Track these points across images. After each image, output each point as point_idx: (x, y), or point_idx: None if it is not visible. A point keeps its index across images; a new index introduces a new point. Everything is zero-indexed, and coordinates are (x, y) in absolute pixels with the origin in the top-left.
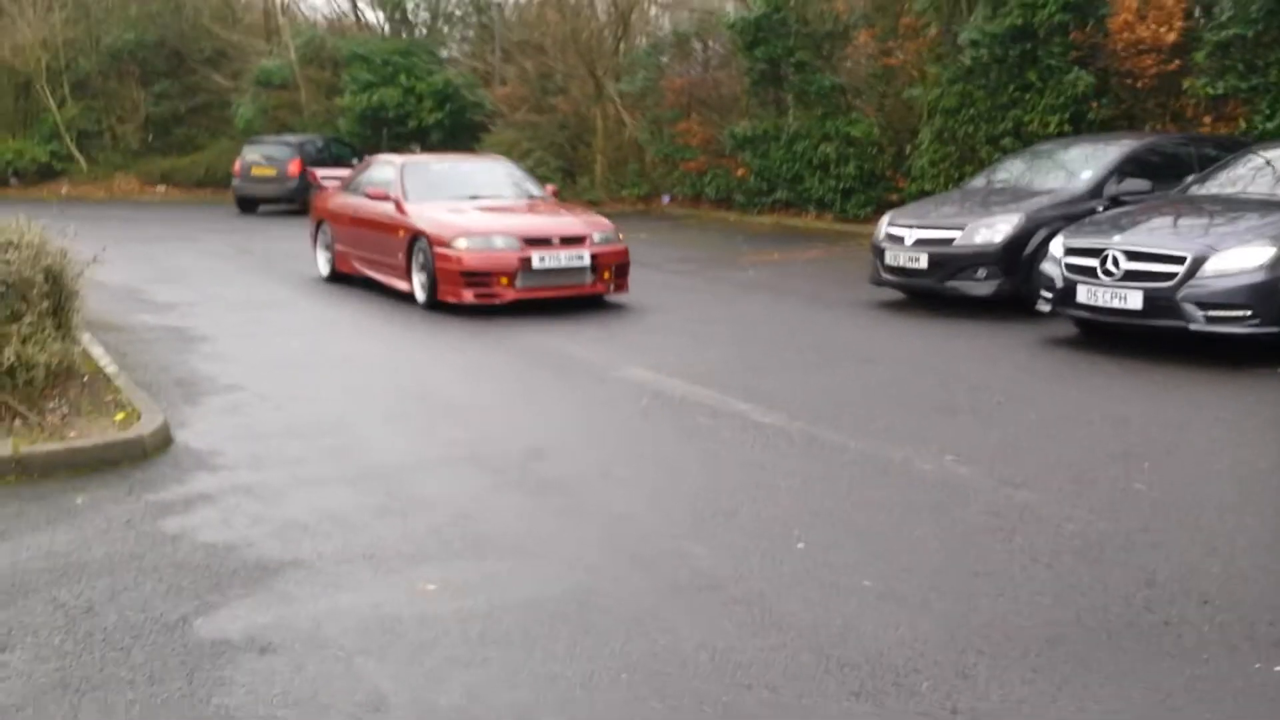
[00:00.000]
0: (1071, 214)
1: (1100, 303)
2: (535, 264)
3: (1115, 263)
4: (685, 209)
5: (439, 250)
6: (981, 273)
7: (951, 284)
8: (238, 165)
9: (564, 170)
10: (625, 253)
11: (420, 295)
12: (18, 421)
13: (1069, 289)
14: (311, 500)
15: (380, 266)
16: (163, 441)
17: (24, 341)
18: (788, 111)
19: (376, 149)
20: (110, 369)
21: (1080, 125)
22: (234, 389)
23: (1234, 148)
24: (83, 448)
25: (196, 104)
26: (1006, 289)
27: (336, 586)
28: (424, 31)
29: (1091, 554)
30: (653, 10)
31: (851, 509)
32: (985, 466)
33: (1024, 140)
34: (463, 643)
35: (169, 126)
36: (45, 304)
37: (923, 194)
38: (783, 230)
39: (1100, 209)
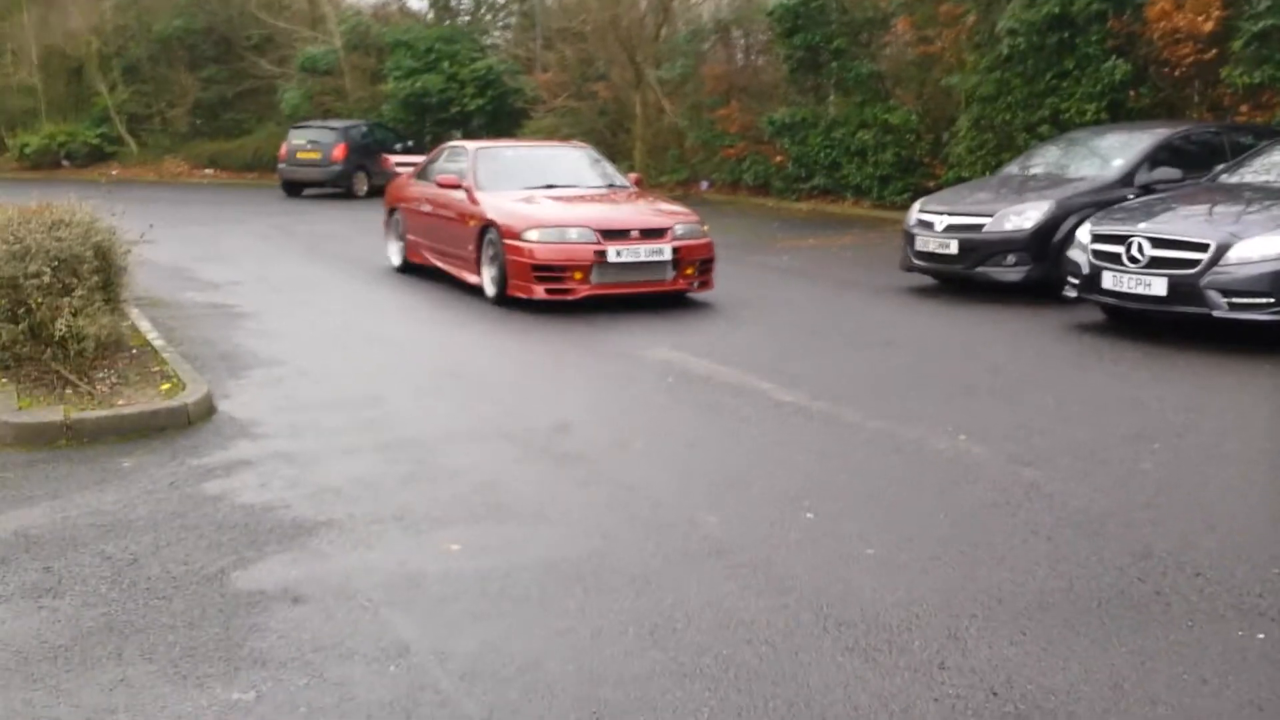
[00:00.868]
0: (1102, 201)
1: (1125, 289)
2: (612, 258)
3: (1140, 250)
4: (723, 195)
5: (509, 242)
6: (1011, 259)
7: (981, 270)
8: (284, 150)
9: (604, 156)
10: (710, 247)
11: (490, 289)
12: (68, 390)
13: (1095, 275)
14: (345, 467)
15: (450, 258)
16: (206, 411)
17: (75, 314)
18: (826, 98)
19: (420, 135)
20: (157, 342)
21: (1117, 113)
22: (276, 364)
23: (1267, 136)
24: (130, 414)
25: (244, 89)
26: (1035, 275)
27: (366, 545)
28: (466, 19)
29: (1091, 528)
30: None
31: (862, 483)
32: (997, 446)
33: (1061, 128)
34: (482, 598)
35: (217, 111)
36: (95, 279)
37: (960, 181)
38: (820, 216)
39: (1131, 196)
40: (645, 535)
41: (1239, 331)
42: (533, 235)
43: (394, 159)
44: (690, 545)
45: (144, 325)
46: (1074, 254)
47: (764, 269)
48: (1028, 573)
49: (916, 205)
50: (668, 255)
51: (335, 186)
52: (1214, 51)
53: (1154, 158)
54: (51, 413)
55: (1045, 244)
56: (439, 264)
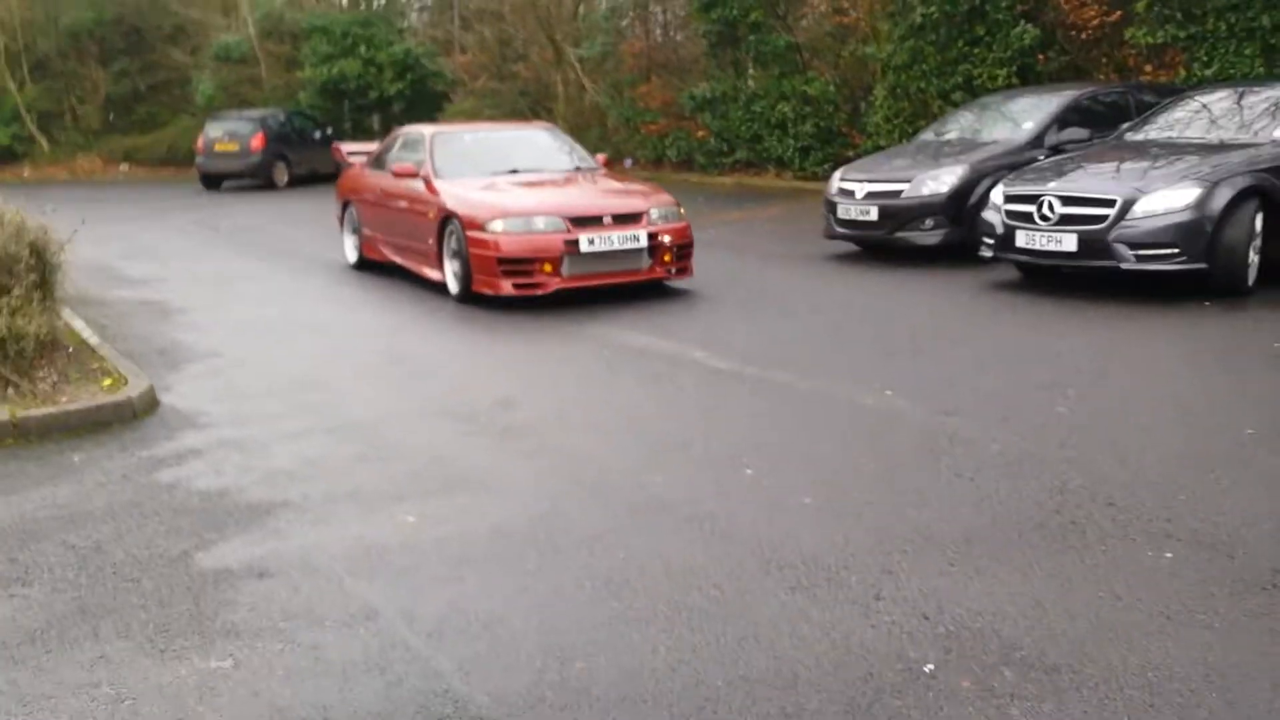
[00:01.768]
0: (1014, 164)
1: (1037, 246)
2: (584, 247)
3: (1051, 208)
4: (648, 172)
5: (472, 234)
6: (929, 223)
7: (900, 235)
8: (200, 142)
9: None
10: (688, 230)
11: (454, 286)
12: (10, 390)
13: (1009, 235)
14: (294, 451)
15: (409, 253)
16: (150, 404)
17: (13, 314)
18: (745, 72)
19: (339, 121)
20: (93, 340)
21: (1028, 78)
22: (213, 356)
23: (1169, 94)
24: (75, 410)
25: (157, 81)
26: (953, 238)
27: (324, 522)
28: (382, 2)
29: (1011, 470)
30: None
31: (796, 440)
32: (921, 399)
33: (974, 94)
34: (442, 564)
35: (130, 105)
36: (31, 278)
37: (878, 149)
38: (744, 190)
39: (1041, 158)
40: (593, 498)
41: (1146, 283)
42: (497, 225)
43: (345, 148)
44: (637, 505)
45: (78, 324)
46: (988, 215)
47: None
48: (953, 512)
49: (837, 174)
50: (644, 242)
51: (255, 178)
52: (1118, 14)
53: (1062, 119)
54: None
55: (961, 207)
56: (397, 259)
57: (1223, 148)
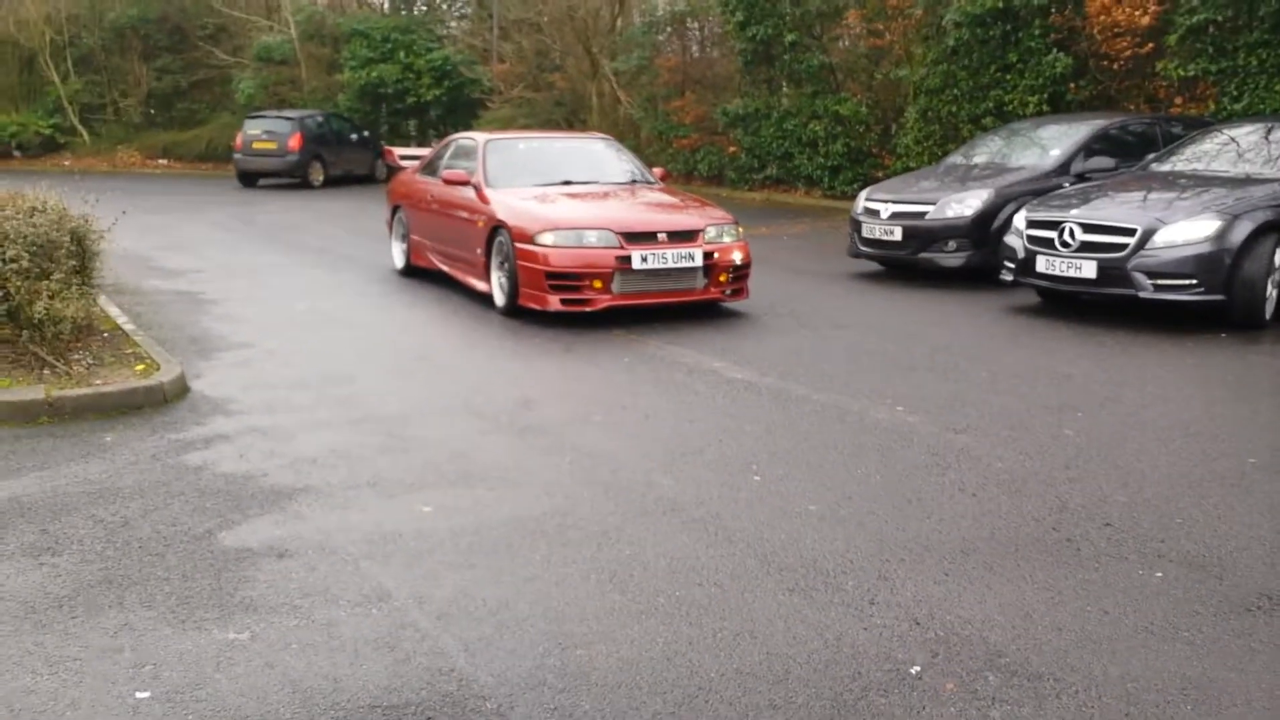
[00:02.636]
0: (1039, 189)
1: (1058, 272)
2: (636, 264)
3: (1072, 234)
4: (678, 185)
5: (521, 246)
6: (952, 245)
7: (924, 256)
8: (239, 140)
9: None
10: (746, 251)
11: (499, 298)
12: (46, 371)
13: (1030, 260)
14: (319, 440)
15: (456, 262)
16: (180, 390)
17: (52, 297)
18: (779, 90)
19: (375, 125)
20: (128, 326)
21: (1058, 105)
22: (244, 346)
23: (1198, 126)
24: (109, 392)
25: (198, 79)
26: (975, 261)
27: (344, 508)
28: (423, 9)
29: (1014, 487)
30: None
31: (806, 449)
32: (932, 415)
33: (1004, 119)
34: (454, 551)
35: (171, 101)
36: (71, 264)
37: (907, 170)
38: (772, 206)
39: (1067, 185)
40: (605, 496)
41: (1164, 313)
42: (547, 239)
43: (398, 151)
44: (646, 504)
45: (113, 311)
46: (1011, 239)
47: None
48: (953, 524)
49: (863, 194)
50: (699, 261)
51: (291, 177)
52: (1150, 45)
53: (1089, 148)
54: (33, 391)
55: (985, 230)
56: (445, 268)
57: (1247, 181)
